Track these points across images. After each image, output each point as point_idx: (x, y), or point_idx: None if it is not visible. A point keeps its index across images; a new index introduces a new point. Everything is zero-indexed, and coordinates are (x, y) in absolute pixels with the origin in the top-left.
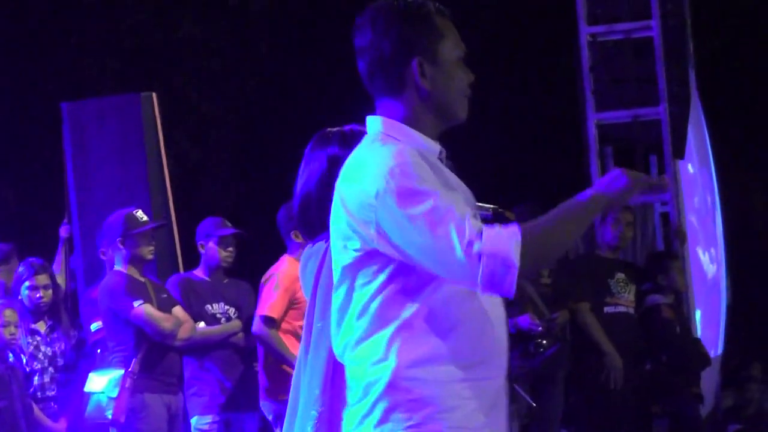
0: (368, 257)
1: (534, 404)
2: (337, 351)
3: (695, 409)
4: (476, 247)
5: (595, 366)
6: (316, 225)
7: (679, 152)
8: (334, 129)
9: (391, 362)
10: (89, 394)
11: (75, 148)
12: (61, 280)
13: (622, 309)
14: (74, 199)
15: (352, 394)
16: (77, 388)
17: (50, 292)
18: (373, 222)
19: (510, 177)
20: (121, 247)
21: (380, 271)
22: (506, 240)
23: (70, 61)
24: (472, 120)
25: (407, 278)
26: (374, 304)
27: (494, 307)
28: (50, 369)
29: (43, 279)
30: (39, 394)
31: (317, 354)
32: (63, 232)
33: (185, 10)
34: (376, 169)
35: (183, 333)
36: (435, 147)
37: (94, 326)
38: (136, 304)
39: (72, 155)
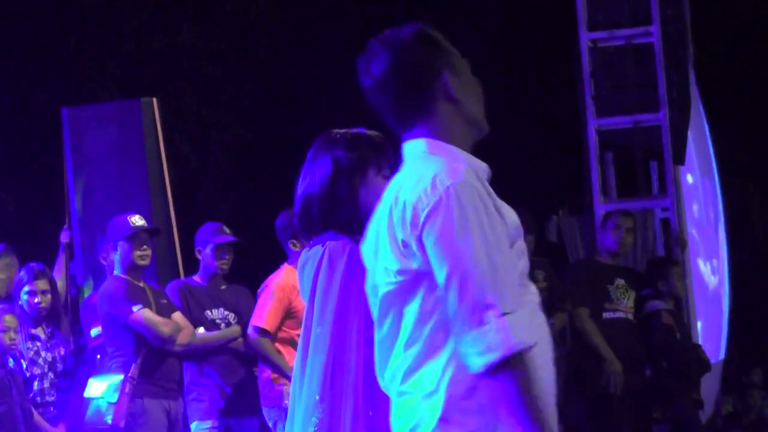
0: (414, 281)
1: None
2: (383, 382)
3: (695, 415)
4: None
5: (595, 371)
6: (316, 225)
7: (680, 158)
8: (341, 131)
9: (443, 394)
10: (89, 399)
11: (75, 153)
12: (61, 285)
13: (621, 315)
14: (74, 204)
15: (399, 426)
16: (77, 394)
17: (49, 297)
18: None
19: (510, 182)
20: (116, 251)
21: (428, 294)
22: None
23: (71, 65)
24: None
25: None
26: (425, 332)
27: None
28: (50, 374)
29: (42, 284)
30: (39, 399)
31: (316, 359)
32: (63, 237)
33: (185, 15)
34: (432, 179)
35: (182, 338)
36: (484, 166)
37: (94, 331)
38: (135, 308)
39: (72, 160)
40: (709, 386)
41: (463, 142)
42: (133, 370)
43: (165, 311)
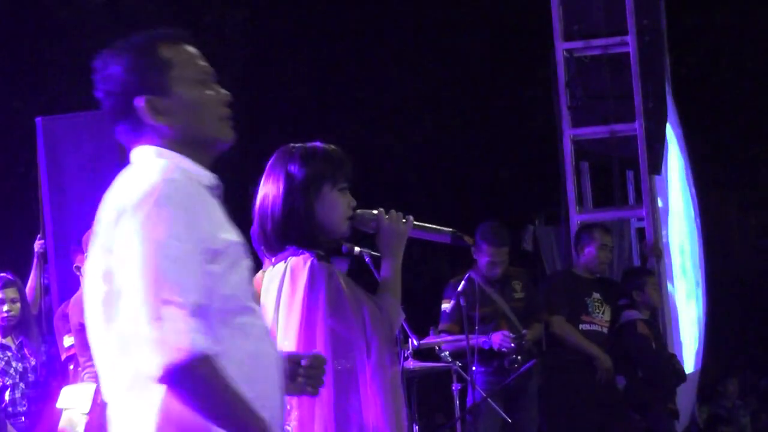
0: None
1: (509, 420)
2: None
3: (671, 425)
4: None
5: (571, 381)
6: (273, 242)
7: (656, 168)
8: (297, 145)
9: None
10: (61, 409)
11: (50, 163)
12: (35, 295)
13: (596, 327)
14: (49, 214)
15: None
16: (49, 404)
17: (18, 305)
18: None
19: (486, 192)
20: None
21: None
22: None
23: (45, 75)
24: (448, 136)
25: None
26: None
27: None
28: (21, 384)
29: (11, 293)
30: (10, 409)
31: None
32: (37, 247)
33: (162, 26)
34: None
35: None
36: (210, 177)
37: (67, 341)
38: None
39: (47, 170)
40: (685, 396)
41: (193, 153)
42: None
43: None
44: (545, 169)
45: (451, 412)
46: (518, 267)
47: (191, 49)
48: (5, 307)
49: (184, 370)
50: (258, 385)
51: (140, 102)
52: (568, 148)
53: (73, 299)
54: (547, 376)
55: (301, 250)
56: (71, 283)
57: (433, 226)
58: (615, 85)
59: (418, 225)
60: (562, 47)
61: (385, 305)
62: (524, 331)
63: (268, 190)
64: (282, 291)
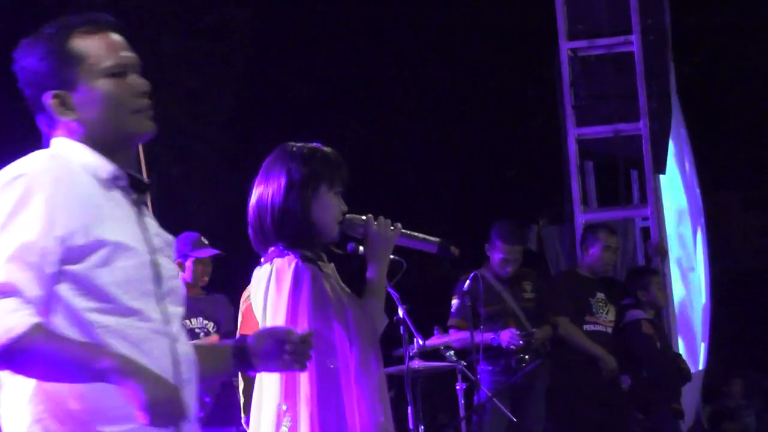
0: None
1: (514, 419)
2: None
3: (675, 425)
4: None
5: (575, 381)
6: (268, 236)
7: (660, 167)
8: (297, 144)
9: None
10: None
11: None
12: None
13: (600, 328)
14: None
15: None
16: None
17: None
18: None
19: (490, 191)
20: None
21: None
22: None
23: None
24: (452, 135)
25: None
26: None
27: None
28: None
29: None
30: None
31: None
32: None
33: (164, 27)
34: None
35: None
36: (109, 168)
37: None
38: None
39: None
40: (689, 396)
41: (105, 147)
42: None
43: None
44: (549, 169)
45: (455, 412)
46: (529, 268)
47: (111, 37)
48: None
49: (11, 350)
50: None
51: (47, 98)
52: (573, 148)
53: None
54: (551, 376)
55: (286, 251)
56: None
57: (421, 235)
58: (619, 84)
59: (406, 233)
60: (566, 47)
61: (370, 308)
62: (533, 330)
63: (266, 187)
64: (268, 292)
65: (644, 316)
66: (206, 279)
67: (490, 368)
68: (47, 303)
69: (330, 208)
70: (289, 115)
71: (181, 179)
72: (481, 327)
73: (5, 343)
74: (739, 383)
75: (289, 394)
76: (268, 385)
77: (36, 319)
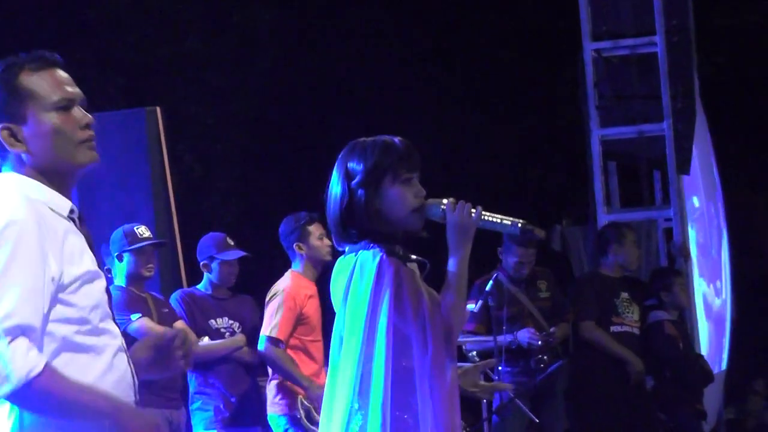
0: None
1: (536, 420)
2: None
3: (698, 426)
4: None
5: (598, 382)
6: (339, 231)
7: (684, 168)
8: (360, 140)
9: None
10: None
11: None
12: None
13: (627, 329)
14: None
15: None
16: None
17: None
18: None
19: (513, 192)
20: (120, 262)
21: None
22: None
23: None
24: (476, 136)
25: None
26: None
27: None
28: None
29: None
30: None
31: (346, 367)
32: None
33: (190, 25)
34: None
35: None
36: (64, 204)
37: None
38: (134, 317)
39: None
40: (712, 396)
41: (52, 179)
42: None
43: (167, 320)
44: (573, 170)
45: (478, 413)
46: (544, 267)
47: (58, 74)
48: None
49: (25, 392)
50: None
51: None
52: (597, 148)
53: None
54: (575, 376)
55: (372, 245)
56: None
57: (503, 217)
58: (643, 85)
59: (487, 216)
60: (590, 47)
61: (446, 305)
62: (552, 329)
63: (331, 188)
64: (351, 284)
65: (667, 317)
66: (233, 280)
67: (509, 369)
68: (42, 335)
69: (397, 199)
70: (314, 115)
71: (204, 179)
72: (504, 328)
73: (26, 382)
74: (762, 384)
75: (362, 392)
76: (341, 383)
77: (45, 359)
